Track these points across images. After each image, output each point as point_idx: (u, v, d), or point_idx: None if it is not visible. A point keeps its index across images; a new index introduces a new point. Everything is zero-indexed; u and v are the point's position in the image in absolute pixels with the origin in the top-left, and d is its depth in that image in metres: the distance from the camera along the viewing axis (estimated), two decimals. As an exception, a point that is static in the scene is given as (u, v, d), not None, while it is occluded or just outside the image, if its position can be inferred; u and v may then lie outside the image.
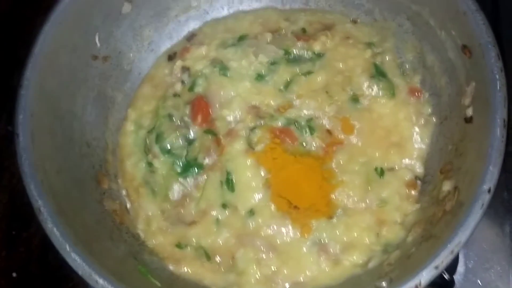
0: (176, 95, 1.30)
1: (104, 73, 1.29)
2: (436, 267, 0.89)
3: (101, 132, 1.26)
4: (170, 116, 1.26)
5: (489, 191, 0.92)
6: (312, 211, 1.15)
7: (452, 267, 1.21)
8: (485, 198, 0.92)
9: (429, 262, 0.89)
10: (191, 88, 1.29)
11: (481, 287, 1.23)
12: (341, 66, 1.27)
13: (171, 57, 1.37)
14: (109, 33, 1.28)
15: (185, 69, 1.32)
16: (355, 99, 1.24)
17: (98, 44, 1.27)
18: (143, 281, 1.04)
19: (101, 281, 0.91)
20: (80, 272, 0.92)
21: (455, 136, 1.11)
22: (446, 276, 1.14)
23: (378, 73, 1.26)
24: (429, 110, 1.21)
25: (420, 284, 0.88)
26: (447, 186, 1.06)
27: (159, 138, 1.24)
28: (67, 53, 1.18)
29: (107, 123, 1.29)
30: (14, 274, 1.36)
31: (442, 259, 0.89)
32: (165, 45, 1.39)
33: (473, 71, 1.07)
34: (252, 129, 1.21)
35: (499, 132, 0.96)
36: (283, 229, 1.13)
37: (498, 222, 1.29)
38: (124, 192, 1.24)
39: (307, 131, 1.21)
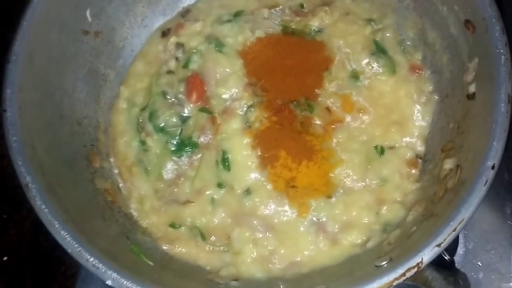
0: (170, 72, 1.27)
1: (96, 49, 1.25)
2: (438, 245, 0.86)
3: (92, 110, 1.23)
4: (164, 94, 1.23)
5: (493, 167, 0.89)
6: (310, 190, 1.13)
7: (452, 248, 1.19)
8: (489, 174, 0.89)
9: (431, 240, 0.87)
10: (185, 65, 1.25)
11: (481, 268, 1.21)
12: (340, 42, 1.24)
13: (165, 33, 1.33)
14: (101, 8, 1.24)
15: (179, 45, 1.28)
16: (355, 76, 1.22)
17: (89, 19, 1.23)
18: (136, 260, 1.01)
19: (91, 259, 0.88)
20: (70, 250, 0.90)
21: (457, 113, 1.08)
22: (446, 257, 1.12)
23: (379, 50, 1.23)
24: (430, 87, 1.19)
25: (421, 262, 0.85)
26: (448, 165, 1.03)
27: (152, 116, 1.21)
28: (56, 28, 1.14)
29: (99, 101, 1.25)
30: (5, 258, 1.33)
31: (445, 237, 0.86)
32: (159, 21, 1.36)
33: (476, 46, 1.04)
34: (249, 107, 1.18)
35: (503, 107, 0.93)
36: (280, 209, 1.12)
37: (498, 203, 1.27)
38: (116, 171, 1.21)
39: (306, 108, 1.18)
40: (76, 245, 0.90)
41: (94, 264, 0.88)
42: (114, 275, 0.87)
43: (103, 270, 0.88)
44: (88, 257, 0.89)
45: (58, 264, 1.30)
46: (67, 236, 0.91)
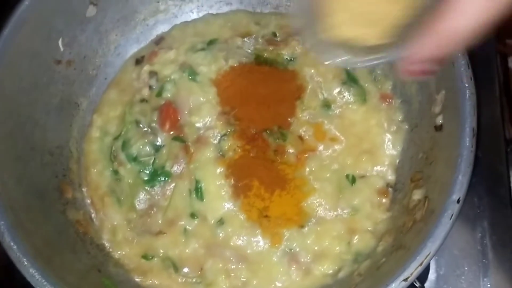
0: (143, 100, 1.26)
1: (68, 78, 1.24)
2: (405, 279, 0.87)
3: (64, 139, 1.22)
4: (137, 122, 1.23)
5: (458, 201, 0.91)
6: (283, 220, 1.13)
7: (423, 275, 1.20)
8: (454, 208, 0.91)
9: (398, 274, 0.88)
10: (159, 94, 1.25)
11: (452, 294, 1.22)
12: (312, 71, 1.25)
13: (138, 61, 1.33)
14: (73, 37, 1.24)
15: (153, 73, 1.28)
16: (327, 105, 1.23)
17: (62, 49, 1.22)
18: (107, 295, 1.01)
19: (61, 298, 0.88)
20: (38, 288, 0.89)
21: (426, 144, 1.10)
22: (417, 285, 1.13)
23: (350, 79, 1.24)
24: (400, 117, 1.20)
25: (389, 296, 0.86)
26: (417, 195, 1.05)
27: (125, 145, 1.21)
28: (28, 58, 1.13)
29: (71, 130, 1.24)
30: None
31: (411, 271, 0.88)
32: (133, 49, 1.35)
33: (443, 79, 1.06)
34: (223, 136, 1.19)
35: (468, 141, 0.95)
36: (253, 239, 1.11)
37: (468, 228, 1.29)
38: (88, 201, 1.20)
39: (279, 137, 1.19)
40: (45, 283, 0.89)
41: (63, 303, 0.88)
42: (84, 313, 0.87)
43: (72, 309, 0.87)
44: (57, 295, 0.88)
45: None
46: (35, 273, 0.90)
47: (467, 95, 0.98)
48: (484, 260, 1.26)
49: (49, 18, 1.16)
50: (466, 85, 0.99)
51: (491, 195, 1.31)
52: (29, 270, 0.90)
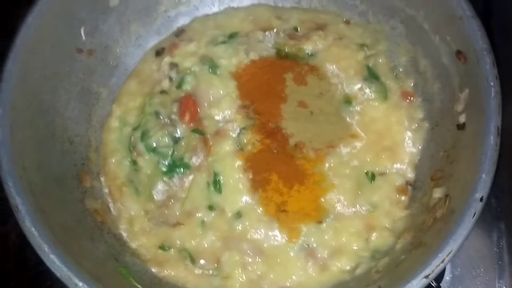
0: (163, 92, 1.26)
1: (89, 67, 1.25)
2: (426, 277, 0.87)
3: (84, 128, 1.23)
4: (156, 114, 1.23)
5: (481, 199, 0.91)
6: (301, 215, 1.13)
7: (439, 275, 1.19)
8: (477, 206, 0.90)
9: (419, 272, 0.87)
10: (179, 86, 1.25)
11: (468, 295, 1.21)
12: (334, 67, 1.25)
13: (159, 52, 1.33)
14: (95, 26, 1.24)
15: (173, 65, 1.28)
16: (348, 101, 1.22)
17: (84, 38, 1.22)
18: (124, 284, 1.01)
19: (80, 284, 0.88)
20: (58, 274, 0.89)
21: (447, 142, 1.09)
22: (433, 284, 1.12)
23: (371, 76, 1.24)
24: (421, 115, 1.20)
25: (409, 294, 0.86)
26: (437, 194, 1.04)
27: (144, 136, 1.21)
28: (50, 46, 1.14)
29: (91, 119, 1.25)
30: (-11, 273, 1.31)
31: (433, 269, 0.87)
32: (153, 41, 1.35)
33: (467, 77, 1.05)
34: (242, 130, 1.19)
35: (492, 140, 0.94)
36: (271, 233, 1.11)
37: (485, 229, 1.28)
38: (106, 191, 1.20)
39: (299, 133, 1.19)
40: (65, 269, 0.89)
41: (82, 289, 0.88)
42: (103, 300, 0.87)
43: (91, 295, 0.87)
44: (77, 281, 0.88)
45: (44, 279, 1.28)
46: (56, 260, 0.90)
47: (492, 93, 0.98)
48: (500, 262, 1.25)
49: (72, 6, 1.17)
50: (492, 83, 0.98)
51: (509, 197, 1.30)
52: (50, 256, 0.90)
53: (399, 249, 1.04)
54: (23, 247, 1.31)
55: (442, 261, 0.88)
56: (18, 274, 1.30)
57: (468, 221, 0.90)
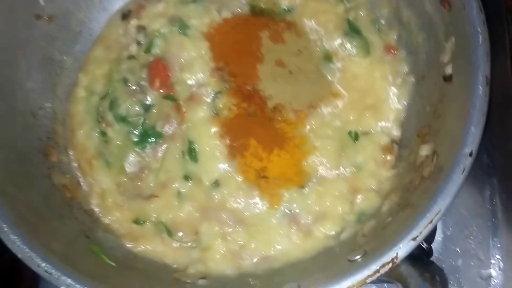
0: (131, 57, 1.19)
1: (50, 34, 1.17)
2: (414, 239, 0.82)
3: (48, 100, 1.16)
4: (125, 81, 1.16)
5: (470, 154, 0.85)
6: (282, 180, 1.08)
7: (430, 236, 1.15)
8: (467, 162, 0.85)
9: (406, 233, 0.82)
10: (147, 50, 1.18)
11: (460, 255, 1.18)
12: (312, 22, 1.18)
13: (125, 15, 1.25)
14: (55, -11, 1.16)
15: (140, 28, 1.21)
16: (328, 58, 1.16)
17: (42, 3, 1.14)
18: (96, 262, 0.95)
19: (43, 264, 0.82)
20: (20, 256, 0.84)
21: (434, 96, 1.03)
22: (423, 246, 1.08)
23: (352, 30, 1.17)
24: (406, 69, 1.13)
25: (396, 257, 0.81)
26: (425, 151, 0.98)
27: (113, 105, 1.14)
28: (4, 13, 1.06)
29: (55, 90, 1.18)
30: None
31: (420, 230, 0.82)
32: (119, 3, 1.27)
33: (452, 25, 0.98)
34: (217, 94, 1.12)
35: (481, 90, 0.88)
36: (251, 201, 1.07)
37: (477, 187, 1.23)
38: (75, 165, 1.14)
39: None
40: (27, 250, 0.84)
41: (46, 270, 0.83)
42: (69, 281, 0.82)
43: (56, 276, 0.82)
44: (40, 262, 0.83)
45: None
46: (17, 240, 0.84)
47: (480, 40, 0.91)
48: (493, 219, 1.21)
49: (26, -32, 1.08)
50: (479, 29, 0.91)
51: (501, 152, 1.25)
52: (9, 237, 0.84)
53: (386, 211, 0.99)
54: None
55: (430, 222, 0.82)
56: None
57: (457, 178, 0.84)
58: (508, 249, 1.18)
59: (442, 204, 0.83)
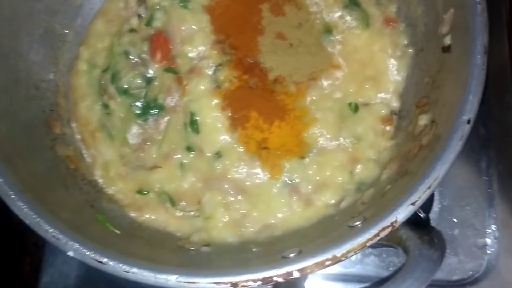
0: (132, 30, 1.19)
1: (51, 7, 1.17)
2: (413, 204, 0.84)
3: (50, 73, 1.16)
4: (126, 54, 1.17)
5: (468, 121, 0.86)
6: (283, 151, 1.09)
7: (427, 205, 1.18)
8: (465, 129, 0.86)
9: (405, 199, 0.84)
10: (148, 23, 1.18)
11: (457, 225, 1.20)
12: (311, -5, 1.18)
13: (125, -12, 1.24)
14: (55, -38, 1.15)
15: (141, 1, 1.21)
16: (328, 30, 1.16)
17: (43, -25, 1.14)
18: (102, 230, 0.97)
19: (51, 230, 0.84)
20: (27, 222, 0.85)
21: (432, 67, 1.04)
22: (421, 215, 1.10)
23: (352, 2, 1.17)
24: (405, 41, 1.14)
25: (396, 221, 0.82)
26: (423, 121, 1.00)
27: (115, 78, 1.15)
28: (5, -15, 1.05)
29: (57, 63, 1.18)
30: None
31: (419, 195, 0.84)
32: (119, -24, 1.26)
33: (451, -5, 0.99)
34: (218, 66, 1.13)
35: (479, 59, 0.89)
36: (252, 171, 1.08)
37: (473, 158, 1.26)
38: (78, 137, 1.15)
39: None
40: (34, 216, 0.85)
41: (54, 235, 0.84)
42: (76, 245, 0.83)
43: (63, 241, 0.84)
44: (47, 227, 0.84)
45: (29, 235, 1.24)
46: (24, 206, 0.86)
47: (478, 10, 0.92)
48: (489, 190, 1.23)
49: None
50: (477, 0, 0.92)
51: (498, 124, 1.27)
52: (17, 203, 0.86)
53: (385, 180, 1.01)
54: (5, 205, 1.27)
55: (429, 187, 0.84)
56: (1, 231, 1.27)
57: (456, 145, 0.85)
58: (503, 219, 1.21)
59: (440, 170, 0.84)
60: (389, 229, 0.82)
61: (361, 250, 0.82)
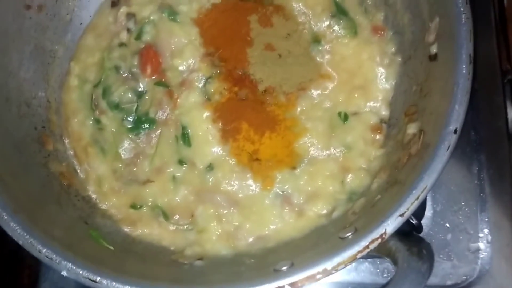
0: (122, 44, 1.20)
1: (40, 24, 1.17)
2: (402, 215, 0.84)
3: (41, 89, 1.16)
4: (116, 68, 1.17)
5: (455, 131, 0.87)
6: (274, 162, 1.10)
7: (419, 212, 1.19)
8: (451, 139, 0.86)
9: (394, 210, 0.85)
10: (138, 37, 1.19)
11: (449, 229, 1.21)
12: (300, 5, 1.19)
13: (114, 3, 1.25)
14: (43, -21, 1.16)
15: (130, 15, 1.21)
16: (316, 40, 1.17)
17: (31, -8, 1.14)
18: (95, 247, 0.98)
19: (44, 250, 0.85)
20: (21, 242, 0.86)
21: (420, 76, 1.05)
22: (413, 221, 1.11)
23: (339, 11, 1.18)
24: (393, 49, 1.15)
25: (385, 233, 0.83)
26: (412, 129, 1.00)
27: (106, 92, 1.16)
28: (-6, 3, 1.06)
29: (48, 79, 1.18)
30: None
31: (408, 206, 0.84)
32: (108, -10, 1.27)
33: (436, 5, 1.00)
34: (208, 79, 1.13)
35: (465, 68, 0.90)
36: (244, 183, 1.09)
37: (465, 163, 1.26)
38: (71, 153, 1.16)
39: (268, 77, 1.14)
40: (27, 237, 0.86)
41: (47, 255, 0.85)
42: (69, 265, 0.84)
43: (57, 261, 0.84)
44: (40, 248, 0.85)
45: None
46: (17, 227, 0.86)
47: (463, 19, 0.92)
48: (481, 194, 1.24)
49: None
50: (462, 9, 0.93)
51: (488, 128, 1.27)
52: (10, 225, 0.86)
53: (375, 189, 1.01)
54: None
55: (417, 198, 0.85)
56: (0, 245, 1.27)
57: (443, 155, 0.86)
58: (495, 222, 1.21)
59: (428, 180, 0.85)
60: (379, 241, 0.83)
61: (352, 263, 0.83)
